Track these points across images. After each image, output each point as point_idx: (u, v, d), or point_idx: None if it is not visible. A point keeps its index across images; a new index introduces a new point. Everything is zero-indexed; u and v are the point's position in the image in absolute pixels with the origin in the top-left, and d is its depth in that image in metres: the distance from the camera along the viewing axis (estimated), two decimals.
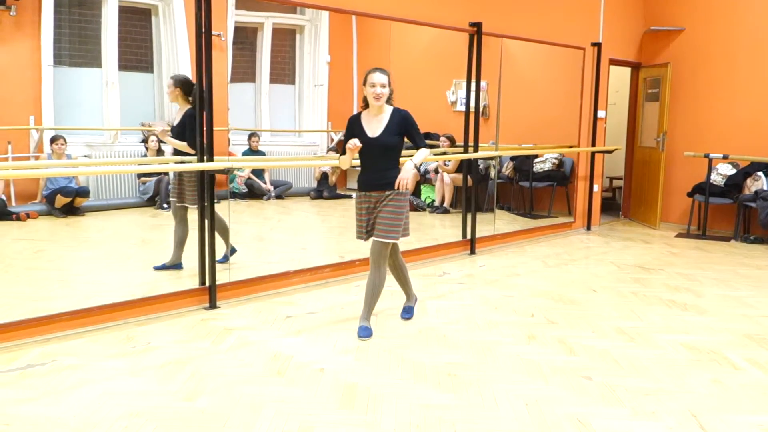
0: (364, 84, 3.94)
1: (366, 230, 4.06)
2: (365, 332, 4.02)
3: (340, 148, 4.06)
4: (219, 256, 4.95)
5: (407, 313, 4.43)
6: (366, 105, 4.03)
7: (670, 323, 4.44)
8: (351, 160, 3.99)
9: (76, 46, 7.73)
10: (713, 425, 2.95)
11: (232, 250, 5.27)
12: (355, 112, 4.13)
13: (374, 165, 3.98)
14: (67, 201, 7.09)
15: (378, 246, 4.01)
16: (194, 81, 4.65)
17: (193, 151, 4.93)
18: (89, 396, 3.12)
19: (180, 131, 5.04)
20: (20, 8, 7.06)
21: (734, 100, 7.87)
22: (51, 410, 2.98)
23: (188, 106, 5.04)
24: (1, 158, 6.91)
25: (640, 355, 3.80)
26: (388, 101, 3.99)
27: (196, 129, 4.95)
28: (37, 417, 2.91)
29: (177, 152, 5.14)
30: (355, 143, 3.86)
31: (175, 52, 8.00)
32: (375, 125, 3.97)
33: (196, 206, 4.93)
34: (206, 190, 4.58)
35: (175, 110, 5.31)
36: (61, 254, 5.95)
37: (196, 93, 4.96)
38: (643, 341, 4.06)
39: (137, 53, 8.10)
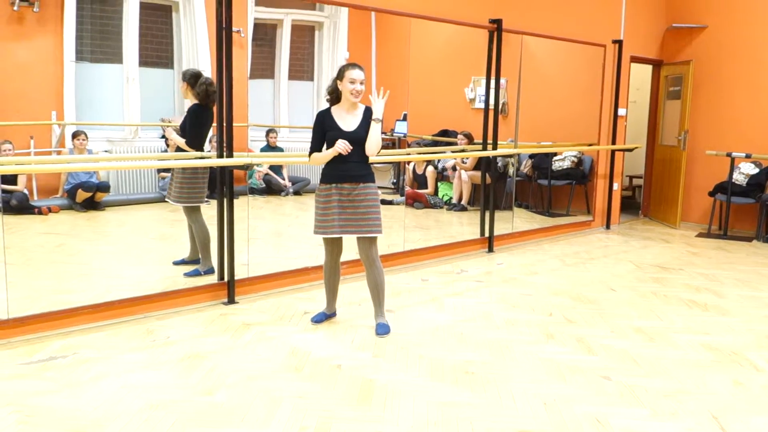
0: (341, 79, 3.91)
1: (339, 224, 3.98)
2: (383, 329, 4.03)
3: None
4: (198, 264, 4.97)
5: (319, 318, 4.30)
6: (336, 100, 4.01)
7: (691, 323, 4.40)
8: (328, 159, 3.93)
9: (98, 42, 7.79)
10: (734, 427, 2.92)
11: (209, 270, 4.96)
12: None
13: (349, 158, 3.90)
14: (88, 195, 7.15)
15: (366, 242, 4.02)
16: (213, 77, 4.63)
17: (190, 150, 4.78)
18: (109, 389, 3.16)
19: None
20: (43, 4, 7.12)
21: (758, 99, 7.75)
22: (72, 402, 3.01)
23: (195, 101, 4.84)
24: (24, 153, 7.00)
25: (659, 356, 3.77)
26: None
27: (196, 126, 4.81)
28: (58, 409, 2.95)
29: (180, 150, 4.90)
30: (346, 147, 3.83)
31: (195, 48, 8.04)
32: (349, 120, 3.95)
33: (179, 204, 4.89)
34: (226, 185, 4.60)
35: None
36: (81, 248, 6.01)
37: (204, 89, 4.81)
38: (663, 341, 4.02)
39: (158, 49, 8.15)
